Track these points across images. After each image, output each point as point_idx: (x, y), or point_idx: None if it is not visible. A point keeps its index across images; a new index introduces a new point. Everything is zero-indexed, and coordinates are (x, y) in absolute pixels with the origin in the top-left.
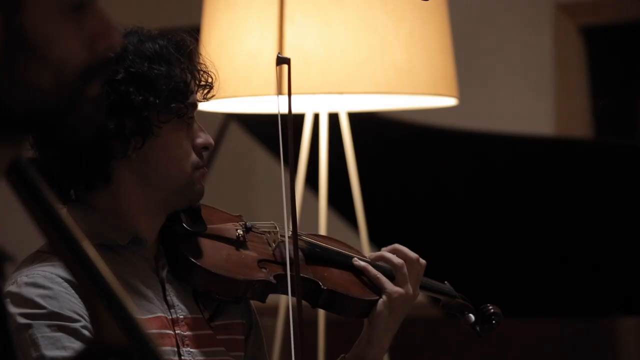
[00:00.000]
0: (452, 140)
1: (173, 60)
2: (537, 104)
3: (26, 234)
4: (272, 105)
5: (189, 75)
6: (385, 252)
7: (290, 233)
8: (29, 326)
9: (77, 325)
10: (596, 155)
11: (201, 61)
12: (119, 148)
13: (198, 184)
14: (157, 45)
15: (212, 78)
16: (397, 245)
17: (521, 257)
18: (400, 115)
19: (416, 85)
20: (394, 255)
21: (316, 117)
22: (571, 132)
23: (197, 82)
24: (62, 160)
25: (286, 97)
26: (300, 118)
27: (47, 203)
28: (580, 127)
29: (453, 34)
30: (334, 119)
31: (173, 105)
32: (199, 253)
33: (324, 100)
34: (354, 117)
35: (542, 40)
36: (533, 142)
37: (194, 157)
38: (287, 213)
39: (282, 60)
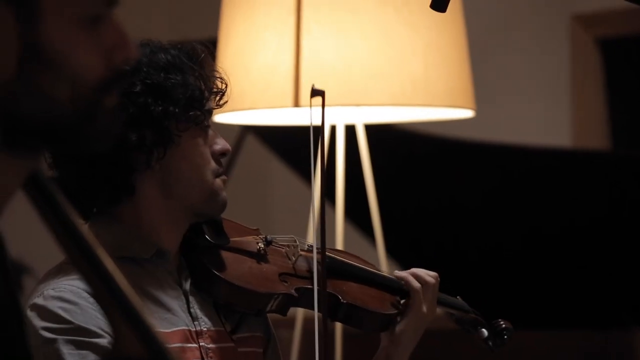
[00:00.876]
0: (468, 152)
1: (186, 69)
2: (554, 116)
3: (45, 247)
4: (289, 117)
5: (202, 83)
6: (406, 274)
7: (316, 246)
8: (55, 341)
9: (102, 341)
10: (613, 166)
11: (213, 68)
12: (142, 159)
13: (221, 193)
14: (169, 55)
15: (224, 84)
16: (413, 270)
17: (538, 269)
18: (416, 127)
19: (433, 97)
20: (415, 275)
21: (333, 129)
22: (588, 144)
23: (210, 90)
24: (84, 174)
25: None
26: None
27: (65, 215)
28: (597, 138)
29: (469, 45)
30: (350, 130)
31: (191, 113)
32: (222, 266)
33: (340, 112)
34: (370, 129)
35: (559, 52)
36: (550, 153)
37: (213, 164)
38: (312, 227)
39: (316, 93)
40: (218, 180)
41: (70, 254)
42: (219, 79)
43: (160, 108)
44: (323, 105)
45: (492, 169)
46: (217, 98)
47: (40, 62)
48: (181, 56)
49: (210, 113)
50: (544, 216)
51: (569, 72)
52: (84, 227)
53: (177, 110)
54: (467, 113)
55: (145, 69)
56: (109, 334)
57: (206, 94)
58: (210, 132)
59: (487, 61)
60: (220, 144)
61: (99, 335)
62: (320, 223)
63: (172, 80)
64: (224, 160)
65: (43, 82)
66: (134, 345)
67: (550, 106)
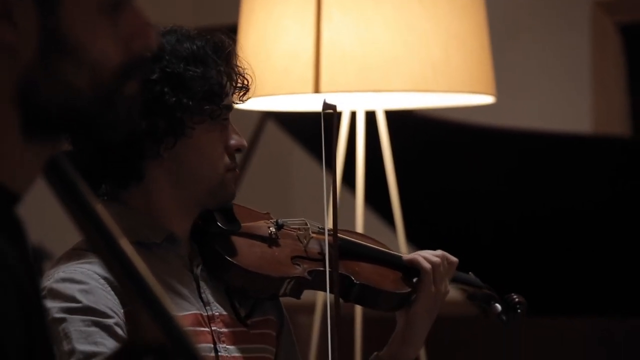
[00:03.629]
0: (488, 139)
1: (210, 62)
2: (575, 102)
3: (64, 232)
4: (309, 103)
5: (225, 77)
6: (417, 255)
7: (327, 228)
8: (63, 319)
9: (110, 321)
10: (634, 152)
11: (238, 63)
12: (152, 147)
13: (230, 186)
14: (194, 46)
15: (248, 80)
16: (423, 251)
17: (557, 255)
18: (437, 113)
19: (453, 82)
20: (426, 257)
21: (353, 115)
22: (609, 130)
23: (234, 84)
24: (95, 155)
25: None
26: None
27: (85, 200)
28: (618, 124)
29: (490, 31)
30: (371, 116)
31: (207, 107)
32: (234, 251)
33: (361, 98)
34: (390, 115)
35: (580, 38)
36: (571, 139)
37: (226, 159)
38: (326, 211)
39: (328, 107)
40: (228, 175)
41: (90, 239)
42: (243, 75)
43: (174, 99)
44: (334, 117)
45: (512, 155)
46: (241, 94)
47: (60, 49)
48: (206, 48)
49: (228, 108)
50: (564, 203)
51: (590, 57)
52: (104, 212)
53: (191, 103)
54: (488, 99)
55: (167, 57)
56: (117, 315)
57: (227, 89)
58: (230, 127)
59: (508, 47)
60: (236, 139)
61: (108, 316)
62: (333, 205)
63: (191, 72)
64: (239, 155)
65: (62, 68)
66: (152, 329)
67: (571, 92)
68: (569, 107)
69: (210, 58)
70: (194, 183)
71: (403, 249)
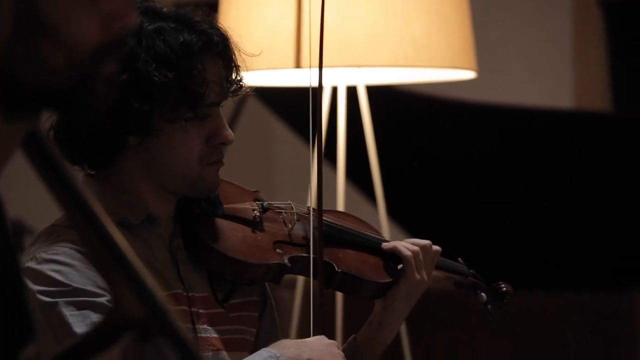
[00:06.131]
0: (470, 114)
1: (188, 64)
2: (556, 77)
3: (44, 207)
4: (290, 78)
5: (205, 78)
6: (397, 243)
7: (313, 214)
8: (55, 304)
9: (102, 299)
10: (615, 127)
11: (233, 57)
12: (121, 138)
13: (210, 179)
14: (179, 41)
15: (240, 76)
16: (407, 240)
17: (540, 230)
18: (418, 88)
19: (434, 58)
20: (406, 246)
21: (334, 91)
22: (590, 105)
23: (227, 80)
24: (67, 136)
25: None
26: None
27: (63, 174)
28: (599, 99)
29: (471, 6)
30: (352, 92)
31: (178, 111)
32: (214, 235)
33: (342, 73)
34: (372, 90)
35: (562, 13)
36: (552, 114)
37: (204, 153)
38: (311, 197)
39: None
40: (208, 169)
41: (70, 213)
42: (237, 70)
43: (137, 105)
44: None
45: (493, 131)
46: (233, 89)
47: (36, 27)
48: (194, 44)
49: (213, 105)
50: (546, 177)
51: (571, 33)
52: (82, 186)
53: (158, 110)
54: (469, 74)
55: (143, 55)
56: (108, 292)
57: (206, 90)
58: (215, 121)
59: (489, 22)
60: (222, 133)
61: (97, 295)
62: (318, 183)
63: (162, 78)
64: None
65: (39, 47)
66: (133, 305)
67: (552, 67)
68: (551, 83)
69: (194, 57)
70: (169, 177)
71: (384, 225)
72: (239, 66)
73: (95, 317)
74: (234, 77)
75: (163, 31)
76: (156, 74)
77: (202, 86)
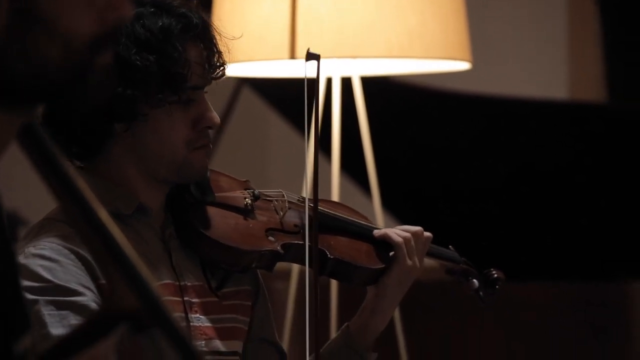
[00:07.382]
0: (465, 105)
1: (170, 46)
2: (551, 68)
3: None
4: (285, 69)
5: (190, 60)
6: (388, 230)
7: (308, 200)
8: (36, 302)
9: (83, 299)
10: (610, 118)
11: (215, 37)
12: (106, 125)
13: (197, 163)
14: (158, 25)
15: (224, 60)
16: (398, 227)
17: (532, 221)
18: (413, 79)
19: (429, 49)
20: (397, 232)
21: (329, 81)
22: (585, 96)
23: (209, 63)
24: (57, 127)
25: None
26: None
27: (59, 165)
28: (594, 90)
29: None
30: (347, 83)
31: (160, 95)
32: (206, 222)
33: (336, 64)
34: (366, 81)
35: (557, 4)
36: (547, 105)
37: (190, 137)
38: (306, 187)
39: (311, 56)
40: (195, 153)
41: (65, 204)
42: (219, 52)
43: (120, 89)
44: (318, 69)
45: (488, 122)
46: (216, 72)
47: (32, 19)
48: (173, 26)
49: (197, 88)
50: (540, 168)
51: (567, 24)
52: (78, 178)
53: (141, 93)
54: (464, 65)
55: (123, 40)
56: (91, 290)
57: (188, 71)
58: (200, 105)
59: (484, 13)
60: (207, 117)
61: (79, 294)
62: (314, 170)
63: (144, 62)
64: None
65: (34, 38)
66: (127, 297)
67: (547, 58)
68: (545, 74)
69: (174, 39)
70: (156, 162)
71: (379, 215)
72: (221, 51)
73: (74, 319)
74: (215, 61)
75: (142, 16)
76: (137, 57)
77: (184, 68)
